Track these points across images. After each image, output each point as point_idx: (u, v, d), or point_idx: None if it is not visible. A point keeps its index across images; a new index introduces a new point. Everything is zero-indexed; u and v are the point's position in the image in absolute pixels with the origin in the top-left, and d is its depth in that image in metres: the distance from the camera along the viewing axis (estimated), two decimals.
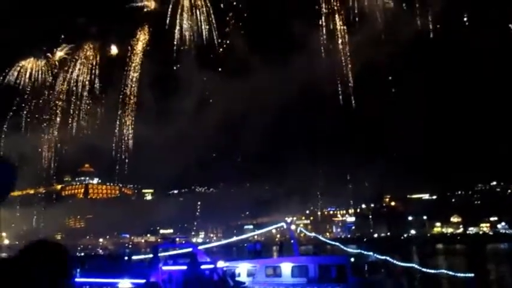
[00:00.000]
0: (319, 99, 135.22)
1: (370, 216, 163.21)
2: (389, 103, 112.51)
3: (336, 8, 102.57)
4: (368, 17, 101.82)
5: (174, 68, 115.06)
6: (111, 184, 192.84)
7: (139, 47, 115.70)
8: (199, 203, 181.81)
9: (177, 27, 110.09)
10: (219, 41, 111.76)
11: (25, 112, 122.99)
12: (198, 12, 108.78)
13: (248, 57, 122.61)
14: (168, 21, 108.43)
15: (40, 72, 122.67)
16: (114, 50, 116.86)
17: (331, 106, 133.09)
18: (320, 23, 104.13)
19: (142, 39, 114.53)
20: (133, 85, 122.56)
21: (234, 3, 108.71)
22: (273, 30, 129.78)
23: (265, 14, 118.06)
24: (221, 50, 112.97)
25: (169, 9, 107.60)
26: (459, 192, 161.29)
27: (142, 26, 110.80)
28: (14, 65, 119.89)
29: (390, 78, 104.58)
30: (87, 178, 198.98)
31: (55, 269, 1.82)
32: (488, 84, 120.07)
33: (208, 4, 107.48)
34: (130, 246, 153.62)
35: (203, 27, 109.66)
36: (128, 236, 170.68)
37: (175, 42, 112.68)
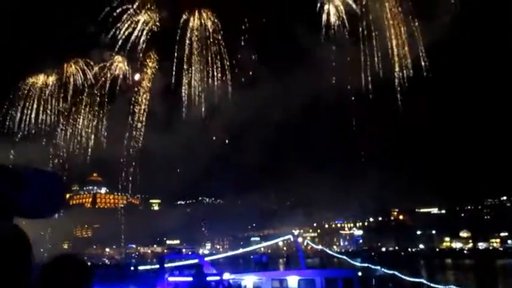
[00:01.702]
0: (326, 111, 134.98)
1: (378, 230, 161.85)
2: (397, 115, 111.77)
3: (342, 21, 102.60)
4: (379, 30, 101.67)
5: (184, 79, 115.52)
6: (119, 194, 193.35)
7: (150, 65, 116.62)
8: (206, 214, 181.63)
9: (187, 41, 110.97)
10: (229, 54, 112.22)
11: (33, 120, 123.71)
12: (208, 27, 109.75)
13: (257, 69, 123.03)
14: (177, 37, 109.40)
15: (51, 87, 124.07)
16: (137, 76, 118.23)
17: (339, 118, 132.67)
18: (325, 33, 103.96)
19: (150, 62, 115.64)
20: (144, 97, 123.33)
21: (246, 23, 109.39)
22: (281, 42, 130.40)
23: (274, 26, 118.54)
24: (231, 63, 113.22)
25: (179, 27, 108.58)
26: (468, 207, 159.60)
27: (150, 48, 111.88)
28: (23, 82, 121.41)
29: (399, 88, 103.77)
30: (95, 187, 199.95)
31: (79, 284, 1.85)
32: (500, 98, 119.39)
33: (217, 21, 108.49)
34: (136, 256, 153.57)
35: (211, 41, 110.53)
36: (134, 246, 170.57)
37: (185, 55, 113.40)
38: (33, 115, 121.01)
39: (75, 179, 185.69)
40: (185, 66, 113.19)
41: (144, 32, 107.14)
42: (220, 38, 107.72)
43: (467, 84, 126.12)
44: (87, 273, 1.87)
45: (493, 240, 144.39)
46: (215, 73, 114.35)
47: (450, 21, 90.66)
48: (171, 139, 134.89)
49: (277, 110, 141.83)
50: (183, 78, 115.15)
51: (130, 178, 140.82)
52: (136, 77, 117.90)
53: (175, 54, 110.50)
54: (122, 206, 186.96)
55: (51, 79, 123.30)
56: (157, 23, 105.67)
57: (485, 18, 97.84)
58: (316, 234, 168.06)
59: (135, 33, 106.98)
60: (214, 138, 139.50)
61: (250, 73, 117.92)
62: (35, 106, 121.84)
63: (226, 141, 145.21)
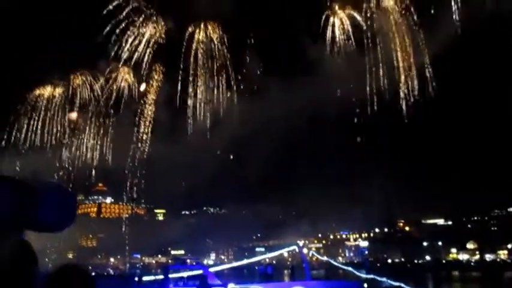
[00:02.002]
0: (331, 122, 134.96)
1: (384, 241, 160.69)
2: (403, 126, 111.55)
3: (346, 31, 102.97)
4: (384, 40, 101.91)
5: (190, 89, 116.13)
6: (124, 203, 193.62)
7: (156, 76, 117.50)
8: (210, 224, 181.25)
9: (192, 53, 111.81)
10: (234, 66, 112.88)
11: (39, 131, 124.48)
12: (213, 39, 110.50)
13: (262, 81, 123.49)
14: (183, 48, 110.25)
15: (58, 99, 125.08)
16: (142, 87, 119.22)
17: (343, 129, 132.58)
18: (330, 43, 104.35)
19: (156, 75, 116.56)
20: (149, 108, 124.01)
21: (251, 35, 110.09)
22: (286, 54, 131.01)
23: (279, 38, 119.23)
24: (237, 74, 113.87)
25: (185, 39, 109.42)
26: (475, 218, 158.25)
27: (156, 60, 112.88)
28: (30, 94, 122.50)
29: (402, 96, 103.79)
30: (100, 197, 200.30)
31: None
32: (508, 109, 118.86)
33: (222, 34, 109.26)
34: (141, 266, 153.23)
35: (217, 53, 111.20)
36: (139, 256, 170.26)
37: (191, 70, 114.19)
38: (39, 126, 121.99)
39: (80, 188, 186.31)
40: (190, 78, 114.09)
41: (150, 44, 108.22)
42: (225, 50, 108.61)
43: (474, 94, 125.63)
44: (90, 283, 1.93)
45: (501, 251, 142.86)
46: (220, 85, 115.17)
47: (455, 32, 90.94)
48: (176, 150, 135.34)
49: (282, 121, 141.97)
50: (188, 89, 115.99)
51: (135, 188, 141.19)
52: (142, 87, 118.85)
53: (181, 66, 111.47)
54: (127, 215, 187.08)
55: (58, 91, 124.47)
56: (163, 36, 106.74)
57: (487, 33, 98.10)
58: (321, 245, 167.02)
59: (141, 45, 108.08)
60: (218, 152, 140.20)
61: (255, 87, 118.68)
62: (41, 117, 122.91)
63: (231, 156, 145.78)
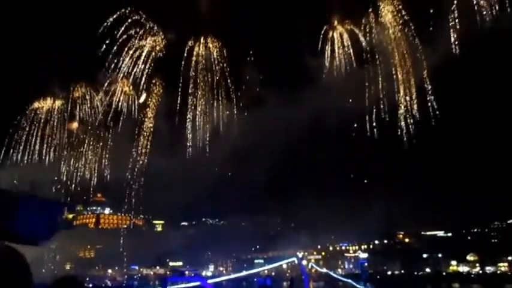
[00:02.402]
0: (330, 135, 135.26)
1: (383, 253, 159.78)
2: (402, 139, 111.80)
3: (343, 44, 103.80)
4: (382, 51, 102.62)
5: (189, 103, 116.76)
6: (122, 214, 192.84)
7: (155, 91, 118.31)
8: (209, 235, 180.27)
9: (192, 67, 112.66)
10: (232, 77, 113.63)
11: (38, 142, 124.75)
12: (213, 53, 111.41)
13: (261, 90, 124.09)
14: (183, 63, 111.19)
15: (58, 110, 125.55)
16: (142, 98, 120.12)
17: (343, 140, 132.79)
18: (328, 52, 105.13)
19: (155, 88, 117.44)
20: (149, 121, 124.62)
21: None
22: (286, 63, 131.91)
23: (279, 51, 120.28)
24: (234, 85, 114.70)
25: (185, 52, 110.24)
26: (475, 230, 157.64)
27: (156, 72, 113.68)
28: (29, 106, 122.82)
29: (401, 112, 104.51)
30: (99, 208, 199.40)
31: None
32: (506, 119, 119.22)
33: (221, 47, 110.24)
34: (138, 278, 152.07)
35: (216, 66, 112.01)
36: (136, 267, 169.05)
37: (191, 81, 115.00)
38: (38, 138, 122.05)
39: (79, 199, 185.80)
40: (190, 91, 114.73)
41: (150, 57, 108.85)
42: (225, 64, 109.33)
43: (473, 108, 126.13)
44: None
45: (501, 264, 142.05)
46: (220, 97, 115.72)
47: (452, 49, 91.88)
48: (175, 161, 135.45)
49: (282, 133, 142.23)
50: (188, 102, 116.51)
51: (133, 200, 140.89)
52: (142, 99, 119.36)
53: (181, 80, 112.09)
54: (125, 226, 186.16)
55: (57, 103, 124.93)
56: (163, 49, 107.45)
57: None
58: (320, 257, 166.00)
59: (141, 58, 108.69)
60: (216, 169, 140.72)
61: (254, 99, 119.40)
62: (40, 129, 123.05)
63: (229, 173, 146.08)
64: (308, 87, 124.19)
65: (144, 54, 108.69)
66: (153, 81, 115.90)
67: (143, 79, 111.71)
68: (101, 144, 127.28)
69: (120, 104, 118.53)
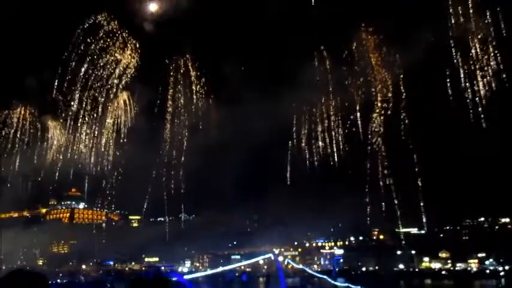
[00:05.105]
0: (308, 135, 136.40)
1: (359, 249, 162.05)
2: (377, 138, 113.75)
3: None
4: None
5: (169, 97, 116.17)
6: (98, 209, 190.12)
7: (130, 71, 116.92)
8: (186, 231, 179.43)
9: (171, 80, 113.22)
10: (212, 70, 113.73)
11: (11, 134, 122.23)
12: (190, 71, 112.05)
13: (241, 87, 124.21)
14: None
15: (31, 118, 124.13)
16: (124, 96, 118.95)
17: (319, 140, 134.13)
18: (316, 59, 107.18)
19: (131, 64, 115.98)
20: (127, 116, 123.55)
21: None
22: (269, 62, 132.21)
23: (262, 46, 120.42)
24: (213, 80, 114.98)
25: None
26: (447, 227, 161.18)
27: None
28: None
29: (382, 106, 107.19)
30: (74, 202, 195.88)
31: None
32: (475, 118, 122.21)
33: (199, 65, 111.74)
34: (113, 273, 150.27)
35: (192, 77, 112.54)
36: (111, 263, 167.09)
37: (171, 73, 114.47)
38: (11, 131, 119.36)
39: (53, 193, 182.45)
40: (169, 95, 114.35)
41: (127, 71, 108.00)
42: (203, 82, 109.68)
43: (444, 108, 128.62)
44: (41, 287, 1.91)
45: (471, 261, 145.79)
46: (199, 95, 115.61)
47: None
48: (152, 157, 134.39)
49: (260, 131, 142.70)
50: (167, 99, 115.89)
51: (109, 195, 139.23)
52: (120, 97, 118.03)
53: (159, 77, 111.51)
54: (101, 221, 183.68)
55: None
56: (138, 61, 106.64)
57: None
58: (297, 253, 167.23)
59: (118, 67, 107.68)
60: (193, 164, 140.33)
61: (233, 97, 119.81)
62: (14, 122, 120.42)
63: (206, 169, 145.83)
64: (290, 87, 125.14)
65: (119, 61, 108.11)
66: (128, 90, 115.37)
67: (118, 87, 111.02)
68: (76, 137, 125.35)
69: (98, 99, 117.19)
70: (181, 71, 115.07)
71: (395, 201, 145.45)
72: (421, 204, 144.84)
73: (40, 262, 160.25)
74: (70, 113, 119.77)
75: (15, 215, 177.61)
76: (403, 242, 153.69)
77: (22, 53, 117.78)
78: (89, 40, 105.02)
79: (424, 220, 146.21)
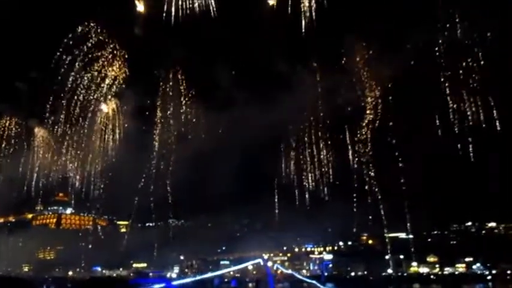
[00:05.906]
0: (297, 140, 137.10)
1: (348, 254, 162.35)
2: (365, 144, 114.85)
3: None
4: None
5: (158, 103, 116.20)
6: (85, 215, 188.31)
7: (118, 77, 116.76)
8: (174, 236, 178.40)
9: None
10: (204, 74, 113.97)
11: None
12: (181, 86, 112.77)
13: (232, 93, 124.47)
14: None
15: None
16: (104, 108, 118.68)
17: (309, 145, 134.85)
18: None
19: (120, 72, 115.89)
20: (115, 121, 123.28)
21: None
22: (260, 67, 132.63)
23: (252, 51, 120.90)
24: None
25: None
26: (435, 232, 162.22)
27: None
28: None
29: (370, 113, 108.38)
30: (61, 208, 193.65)
31: None
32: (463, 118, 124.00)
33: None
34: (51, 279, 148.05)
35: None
36: (99, 269, 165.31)
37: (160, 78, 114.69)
38: None
39: (40, 198, 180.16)
40: (158, 102, 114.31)
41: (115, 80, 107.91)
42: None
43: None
44: None
45: (459, 265, 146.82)
46: (189, 100, 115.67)
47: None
48: (141, 162, 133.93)
49: (251, 136, 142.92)
50: (157, 103, 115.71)
51: (97, 198, 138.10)
52: (104, 108, 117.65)
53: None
54: (88, 227, 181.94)
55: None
56: (127, 71, 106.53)
57: None
58: (286, 258, 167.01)
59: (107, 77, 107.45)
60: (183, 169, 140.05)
61: (224, 102, 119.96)
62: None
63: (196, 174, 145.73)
64: (281, 91, 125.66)
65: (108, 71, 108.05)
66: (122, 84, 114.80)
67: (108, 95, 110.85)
68: (65, 143, 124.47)
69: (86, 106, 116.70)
70: (171, 77, 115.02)
71: (381, 206, 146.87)
72: (405, 210, 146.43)
73: (26, 269, 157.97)
74: (58, 119, 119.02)
75: (1, 220, 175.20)
76: (390, 247, 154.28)
77: (9, 58, 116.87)
78: (76, 51, 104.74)
79: (408, 225, 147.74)
